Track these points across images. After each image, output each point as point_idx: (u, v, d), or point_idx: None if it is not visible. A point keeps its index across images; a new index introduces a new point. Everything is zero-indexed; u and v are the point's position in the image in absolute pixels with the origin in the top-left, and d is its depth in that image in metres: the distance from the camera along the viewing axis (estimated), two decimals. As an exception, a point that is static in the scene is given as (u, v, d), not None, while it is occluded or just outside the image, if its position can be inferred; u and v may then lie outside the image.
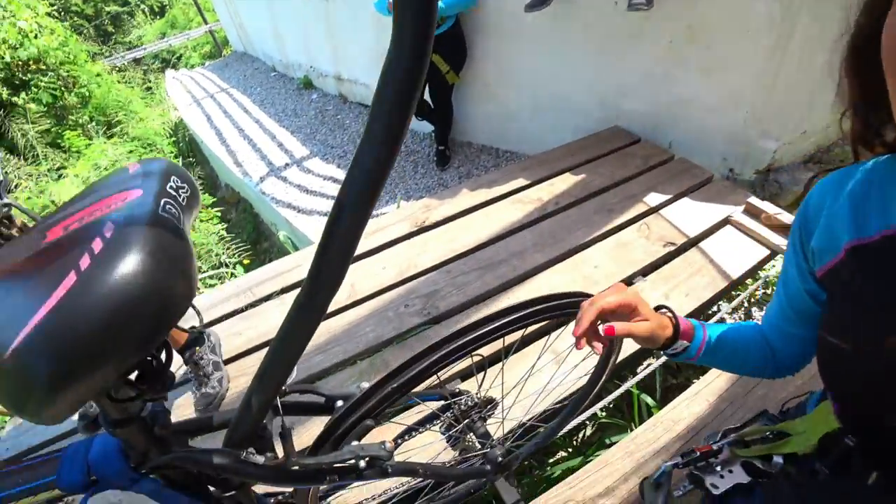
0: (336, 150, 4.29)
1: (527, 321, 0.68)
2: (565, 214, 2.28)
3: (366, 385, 0.68)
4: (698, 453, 0.64)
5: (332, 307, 1.99)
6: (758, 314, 2.17)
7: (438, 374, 0.64)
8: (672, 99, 2.62)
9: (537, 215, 2.27)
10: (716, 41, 2.33)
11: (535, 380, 1.12)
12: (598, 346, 0.62)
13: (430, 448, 1.12)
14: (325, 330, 1.87)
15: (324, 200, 3.61)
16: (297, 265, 2.21)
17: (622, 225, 2.18)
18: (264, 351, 1.87)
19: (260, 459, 0.59)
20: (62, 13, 12.00)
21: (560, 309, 0.70)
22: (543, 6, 2.62)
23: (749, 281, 2.19)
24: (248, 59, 8.05)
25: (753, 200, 2.11)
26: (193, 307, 1.50)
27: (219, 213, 4.34)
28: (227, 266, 3.81)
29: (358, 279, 2.06)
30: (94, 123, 6.03)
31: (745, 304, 2.16)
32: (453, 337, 0.65)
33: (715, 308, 2.06)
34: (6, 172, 4.80)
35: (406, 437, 0.86)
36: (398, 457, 0.94)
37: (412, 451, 0.96)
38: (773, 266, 2.11)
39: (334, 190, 3.74)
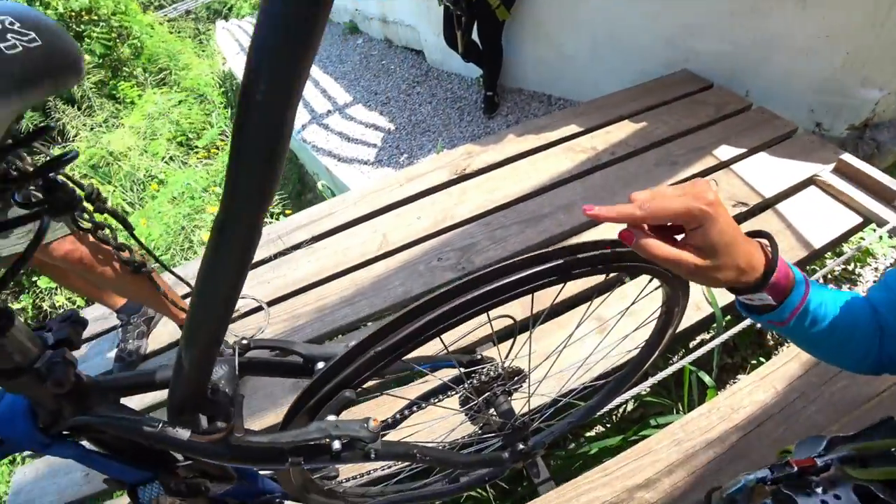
0: (380, 96, 4.10)
1: (566, 274, 0.50)
2: (621, 166, 2.03)
3: (353, 344, 0.53)
4: (795, 468, 0.46)
5: (361, 258, 1.88)
6: None
7: (441, 335, 0.49)
8: (756, 38, 2.26)
9: (590, 166, 2.03)
10: None
11: (572, 351, 0.95)
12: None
13: (442, 425, 0.99)
14: (352, 282, 1.76)
15: (364, 148, 3.47)
16: (330, 212, 2.09)
17: (687, 180, 1.91)
18: (292, 301, 1.81)
19: (186, 434, 0.46)
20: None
21: (611, 261, 0.52)
22: None
23: (829, 254, 1.89)
24: (296, 6, 7.86)
25: (847, 158, 1.78)
26: (178, 276, 1.42)
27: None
28: (269, 216, 3.79)
29: (390, 229, 1.92)
30: (146, 74, 6.10)
31: (824, 280, 1.86)
32: (466, 287, 0.49)
33: None
34: (62, 122, 4.95)
35: (410, 412, 0.73)
36: (402, 433, 0.81)
37: (420, 427, 0.83)
38: (863, 238, 1.79)
39: (375, 138, 3.58)
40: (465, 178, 2.10)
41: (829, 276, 1.88)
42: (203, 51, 8.38)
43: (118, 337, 1.77)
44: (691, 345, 1.79)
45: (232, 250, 0.35)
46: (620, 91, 2.55)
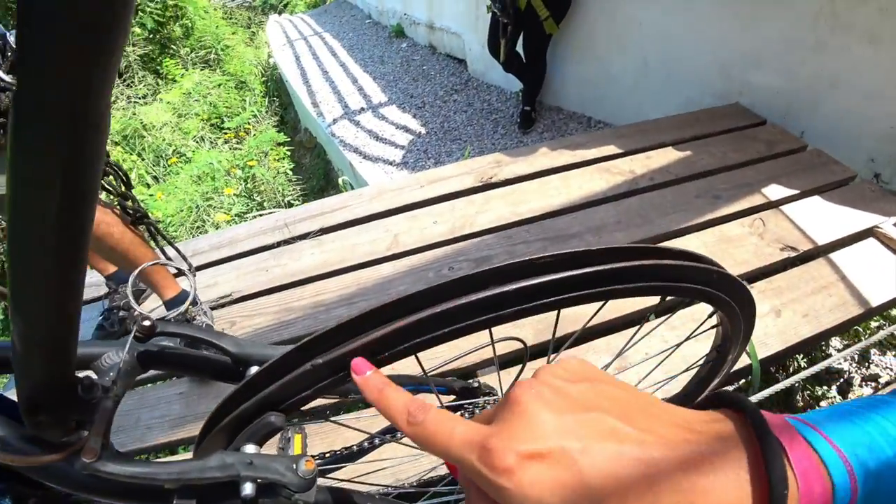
0: (415, 99, 4.02)
1: (612, 290, 0.35)
2: (660, 193, 1.87)
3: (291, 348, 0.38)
4: None
5: (368, 256, 1.75)
6: (879, 359, 1.66)
7: (417, 352, 0.35)
8: (818, 75, 2.09)
9: (626, 189, 1.88)
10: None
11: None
12: None
13: (413, 466, 0.84)
14: (355, 280, 1.63)
15: (391, 149, 3.37)
16: (343, 205, 1.98)
17: (730, 216, 1.75)
18: (287, 293, 1.68)
19: (28, 447, 0.32)
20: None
21: (673, 280, 0.37)
22: None
23: (877, 318, 1.68)
24: (346, 7, 7.95)
25: (885, 228, 1.59)
26: (179, 251, 1.30)
27: (289, 152, 4.24)
28: (287, 206, 3.71)
29: (404, 230, 1.79)
30: (192, 54, 6.17)
31: (867, 347, 1.65)
32: (451, 288, 0.34)
33: (833, 352, 1.59)
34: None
35: (367, 448, 0.57)
36: (357, 473, 0.66)
37: (383, 465, 0.68)
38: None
39: (405, 140, 3.48)
40: (490, 186, 1.96)
41: (884, 342, 1.67)
42: (252, 41, 8.51)
43: (103, 305, 1.67)
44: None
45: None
46: (666, 118, 2.39)
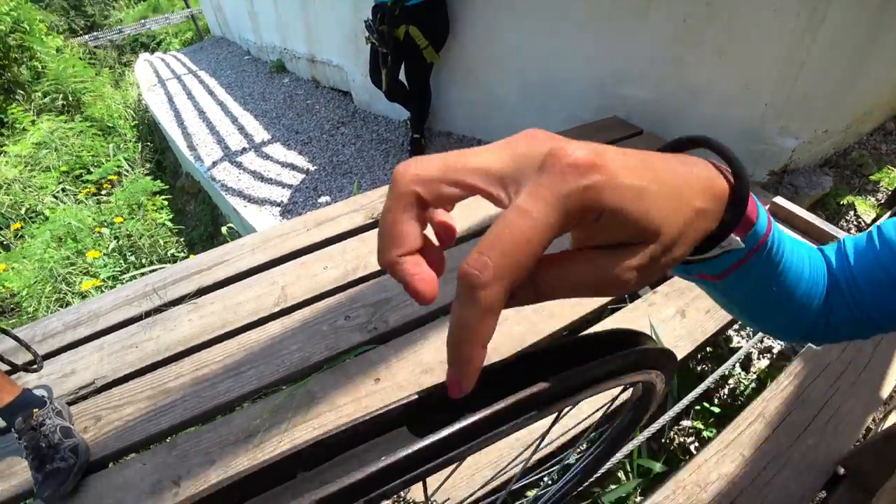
0: (301, 135, 3.86)
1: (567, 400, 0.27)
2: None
3: None
4: None
5: (253, 316, 1.58)
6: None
7: None
8: (681, 87, 2.27)
9: (518, 211, 1.88)
10: (738, 19, 1.98)
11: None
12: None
13: None
14: (239, 346, 1.45)
15: (279, 189, 3.19)
16: (221, 259, 1.79)
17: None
18: (161, 371, 1.46)
19: None
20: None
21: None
22: None
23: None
24: (223, 44, 7.60)
25: (780, 201, 1.75)
26: (19, 340, 1.05)
27: (167, 201, 3.88)
28: (172, 261, 3.36)
29: (292, 281, 1.65)
30: (47, 100, 5.51)
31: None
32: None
33: (732, 334, 1.68)
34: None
35: None
36: None
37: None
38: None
39: (292, 178, 3.31)
40: (382, 223, 1.88)
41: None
42: (119, 83, 7.83)
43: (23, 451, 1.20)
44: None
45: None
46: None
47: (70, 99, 5.65)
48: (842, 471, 1.09)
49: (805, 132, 2.10)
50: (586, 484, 0.77)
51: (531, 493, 0.92)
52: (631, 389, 0.45)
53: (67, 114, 5.43)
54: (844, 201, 2.13)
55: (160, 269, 2.07)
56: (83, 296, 2.70)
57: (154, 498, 1.13)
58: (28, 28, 5.66)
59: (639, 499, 1.27)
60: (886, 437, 1.02)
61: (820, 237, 1.64)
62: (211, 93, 5.14)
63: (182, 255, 3.58)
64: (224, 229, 2.79)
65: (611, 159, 0.21)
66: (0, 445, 1.30)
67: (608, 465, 1.11)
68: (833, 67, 1.99)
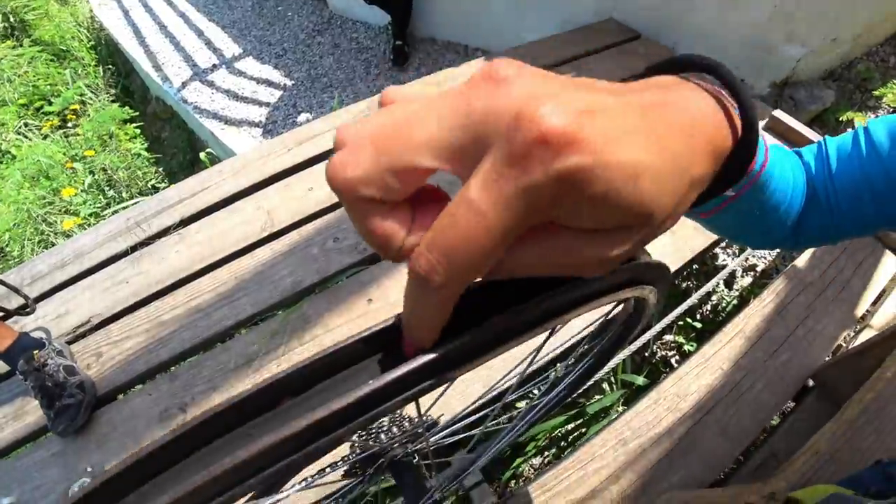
0: (274, 47, 3.59)
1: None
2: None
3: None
4: None
5: (242, 243, 1.54)
6: (756, 251, 1.80)
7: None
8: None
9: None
10: None
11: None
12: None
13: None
14: (231, 273, 1.43)
15: (256, 108, 3.01)
16: (202, 186, 1.72)
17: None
18: (156, 304, 1.44)
19: None
20: None
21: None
22: None
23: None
24: (176, -55, 6.85)
25: (779, 115, 1.68)
26: (7, 285, 1.01)
27: (139, 129, 3.68)
28: (154, 191, 3.26)
29: (277, 205, 1.59)
30: (-11, 24, 5.03)
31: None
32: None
33: (718, 252, 1.67)
34: None
35: None
36: None
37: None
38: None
39: (269, 96, 3.12)
40: (367, 138, 1.78)
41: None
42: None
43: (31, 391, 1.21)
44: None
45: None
46: (544, 39, 2.31)
47: (12, 20, 5.17)
48: (811, 383, 1.13)
49: (813, 39, 1.96)
50: (574, 395, 0.78)
51: (522, 404, 0.94)
52: (623, 305, 0.42)
53: (13, 38, 5.00)
54: (844, 117, 2.03)
55: (141, 202, 2.00)
56: (67, 235, 2.63)
57: (163, 425, 1.16)
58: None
59: (622, 408, 1.32)
60: (857, 353, 1.05)
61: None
62: (170, 3, 4.70)
63: (163, 185, 3.47)
64: (203, 155, 2.67)
65: (600, 127, 0.16)
66: (7, 389, 1.31)
67: (595, 377, 1.13)
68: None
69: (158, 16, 4.54)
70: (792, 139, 1.65)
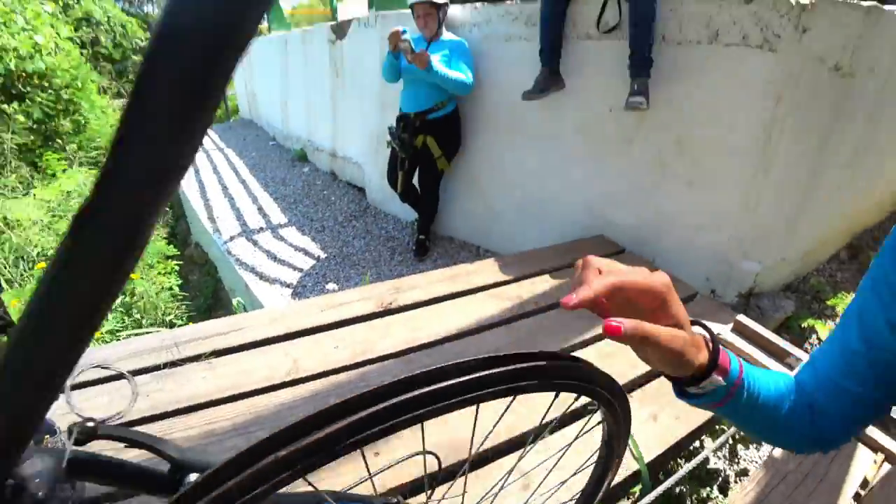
0: (315, 223, 4.15)
1: (518, 384, 0.45)
2: (545, 315, 2.10)
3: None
4: None
5: (265, 382, 1.71)
6: (744, 454, 1.93)
7: (362, 446, 0.39)
8: (658, 213, 2.59)
9: (516, 313, 2.09)
10: (702, 156, 2.35)
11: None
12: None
13: None
14: (250, 408, 1.57)
15: (290, 271, 3.39)
16: (239, 327, 1.94)
17: (603, 337, 2.00)
18: (171, 421, 1.56)
19: None
20: (87, 45, 11.99)
21: (557, 376, 0.49)
22: (541, 95, 2.65)
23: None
24: (251, 126, 8.22)
25: (742, 319, 1.98)
26: None
27: (177, 267, 4.05)
28: (169, 326, 3.46)
29: (303, 355, 1.79)
30: (81, 152, 5.86)
31: (730, 442, 1.92)
32: (396, 389, 0.40)
33: (697, 444, 1.82)
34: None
35: None
36: None
37: None
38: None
39: (303, 262, 3.53)
40: (390, 312, 2.06)
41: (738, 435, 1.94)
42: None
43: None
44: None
45: (102, 242, 0.24)
46: (545, 248, 2.75)
47: (103, 155, 6.01)
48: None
49: (766, 258, 2.36)
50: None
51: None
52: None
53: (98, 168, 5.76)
54: (805, 324, 2.36)
55: (156, 332, 2.19)
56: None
57: None
58: (81, 86, 6.17)
59: None
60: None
61: (780, 354, 1.83)
62: (235, 171, 5.53)
63: (180, 322, 3.67)
64: (235, 302, 2.94)
65: (678, 303, 0.48)
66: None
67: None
68: (784, 202, 2.29)
69: (223, 178, 5.29)
70: (759, 343, 1.89)
